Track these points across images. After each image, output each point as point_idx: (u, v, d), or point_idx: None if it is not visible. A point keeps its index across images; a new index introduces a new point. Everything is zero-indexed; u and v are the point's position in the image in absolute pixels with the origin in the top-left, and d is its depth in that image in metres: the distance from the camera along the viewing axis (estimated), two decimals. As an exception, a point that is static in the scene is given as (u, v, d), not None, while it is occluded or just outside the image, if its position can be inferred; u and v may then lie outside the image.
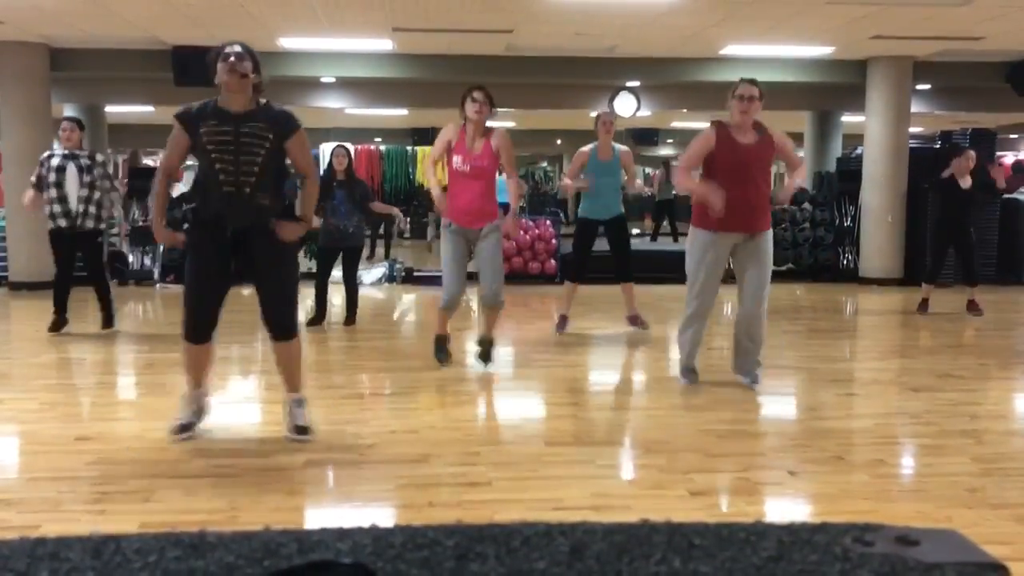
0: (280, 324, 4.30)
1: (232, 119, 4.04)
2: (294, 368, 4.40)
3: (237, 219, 4.09)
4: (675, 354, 6.92)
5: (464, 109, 5.62)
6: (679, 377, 5.56)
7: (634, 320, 7.40)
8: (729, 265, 5.43)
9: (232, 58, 4.03)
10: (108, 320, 7.56)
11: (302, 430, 4.32)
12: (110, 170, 7.38)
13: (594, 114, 7.75)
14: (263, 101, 4.18)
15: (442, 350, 6.06)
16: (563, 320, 7.46)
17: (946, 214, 8.72)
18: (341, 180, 7.75)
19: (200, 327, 4.27)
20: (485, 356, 5.95)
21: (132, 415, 5.03)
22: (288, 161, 4.30)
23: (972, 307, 8.69)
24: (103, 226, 7.41)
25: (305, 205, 4.36)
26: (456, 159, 5.62)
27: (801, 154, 5.50)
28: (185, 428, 4.36)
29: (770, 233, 5.29)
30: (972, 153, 8.78)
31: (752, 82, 5.26)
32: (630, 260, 7.39)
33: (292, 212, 4.47)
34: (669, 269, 11.70)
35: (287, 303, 4.33)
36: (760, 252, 5.25)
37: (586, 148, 7.31)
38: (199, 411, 4.46)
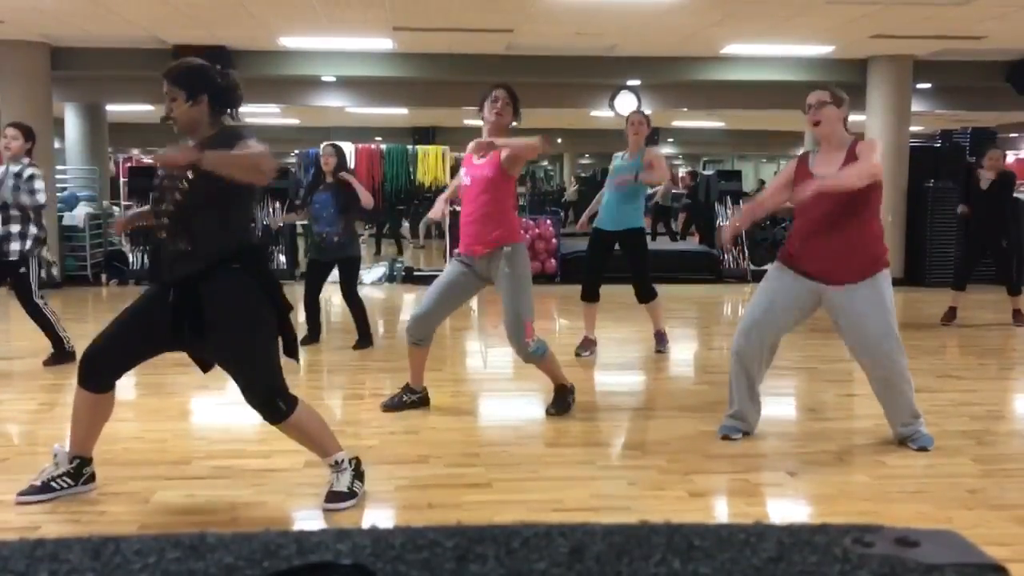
0: (255, 406, 3.36)
1: None
2: (308, 443, 3.52)
3: (165, 269, 3.31)
4: (674, 352, 6.95)
5: (482, 110, 4.73)
6: (719, 428, 4.49)
7: (657, 337, 6.85)
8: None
9: (166, 100, 3.34)
10: (57, 353, 6.24)
11: (336, 496, 3.47)
12: (36, 185, 5.99)
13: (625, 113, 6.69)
14: (229, 125, 3.40)
15: (396, 402, 5.02)
16: (586, 342, 6.74)
17: (971, 217, 8.24)
18: (328, 183, 6.92)
19: (89, 368, 3.39)
20: (549, 407, 4.97)
21: (132, 415, 5.03)
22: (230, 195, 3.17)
23: (1017, 317, 8.31)
24: (23, 247, 6.03)
25: (214, 159, 3.06)
26: (461, 171, 4.87)
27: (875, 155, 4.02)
28: (38, 491, 3.47)
29: (871, 283, 4.15)
30: (997, 152, 8.42)
31: (821, 87, 4.32)
32: (646, 280, 6.65)
33: (254, 253, 3.46)
34: (667, 268, 11.72)
35: (251, 381, 3.32)
36: (855, 311, 4.14)
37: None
38: (68, 475, 3.51)
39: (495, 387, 5.90)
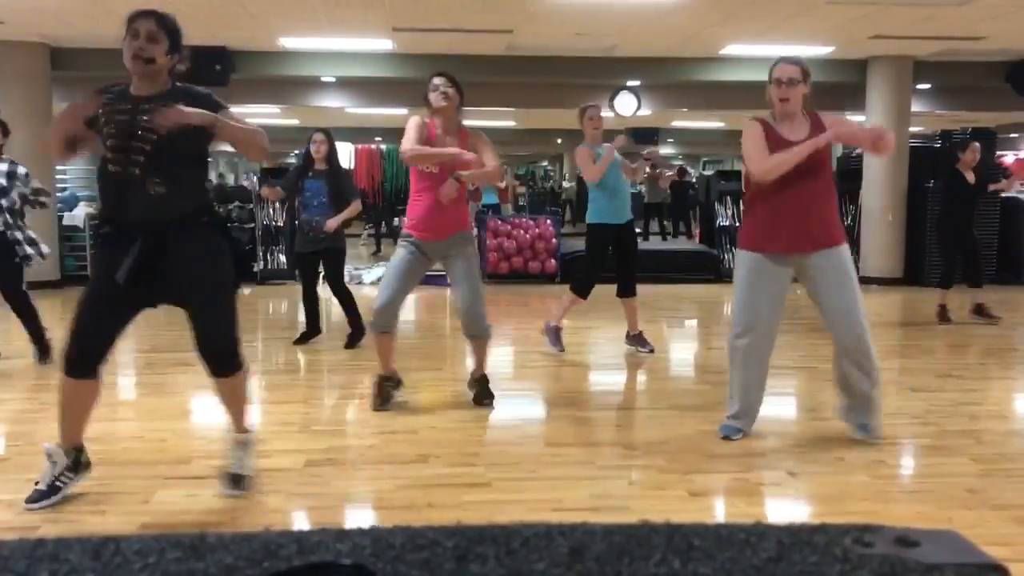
0: (216, 353, 3.40)
1: (135, 100, 3.30)
2: (237, 406, 3.59)
3: (132, 210, 3.24)
4: (674, 352, 6.94)
5: (428, 100, 4.81)
6: (720, 428, 4.48)
7: (638, 340, 6.78)
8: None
9: (140, 38, 3.23)
10: (41, 347, 6.30)
11: (234, 480, 3.57)
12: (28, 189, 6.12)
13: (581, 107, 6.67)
14: (180, 85, 3.40)
15: (384, 397, 5.04)
16: (556, 332, 6.73)
17: (952, 210, 8.34)
18: (319, 170, 6.73)
19: (81, 356, 3.35)
20: (480, 397, 5.13)
21: (132, 415, 5.03)
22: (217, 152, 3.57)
23: (980, 311, 8.42)
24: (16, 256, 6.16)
25: (230, 125, 3.25)
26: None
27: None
28: (45, 494, 3.45)
29: (842, 248, 4.25)
30: (976, 145, 8.47)
31: (793, 61, 4.25)
32: (635, 273, 6.70)
33: (217, 217, 3.51)
34: (667, 268, 11.72)
35: (221, 324, 3.39)
36: (833, 272, 4.21)
37: (583, 147, 6.52)
38: (69, 469, 3.50)
39: (495, 387, 5.88)
